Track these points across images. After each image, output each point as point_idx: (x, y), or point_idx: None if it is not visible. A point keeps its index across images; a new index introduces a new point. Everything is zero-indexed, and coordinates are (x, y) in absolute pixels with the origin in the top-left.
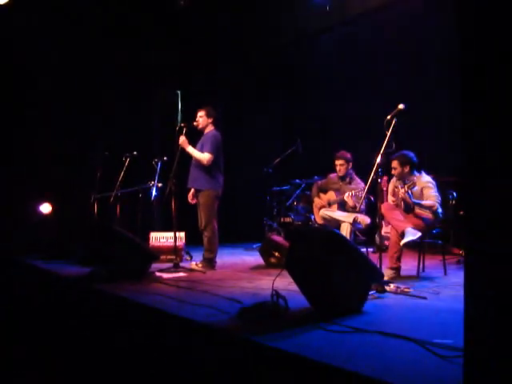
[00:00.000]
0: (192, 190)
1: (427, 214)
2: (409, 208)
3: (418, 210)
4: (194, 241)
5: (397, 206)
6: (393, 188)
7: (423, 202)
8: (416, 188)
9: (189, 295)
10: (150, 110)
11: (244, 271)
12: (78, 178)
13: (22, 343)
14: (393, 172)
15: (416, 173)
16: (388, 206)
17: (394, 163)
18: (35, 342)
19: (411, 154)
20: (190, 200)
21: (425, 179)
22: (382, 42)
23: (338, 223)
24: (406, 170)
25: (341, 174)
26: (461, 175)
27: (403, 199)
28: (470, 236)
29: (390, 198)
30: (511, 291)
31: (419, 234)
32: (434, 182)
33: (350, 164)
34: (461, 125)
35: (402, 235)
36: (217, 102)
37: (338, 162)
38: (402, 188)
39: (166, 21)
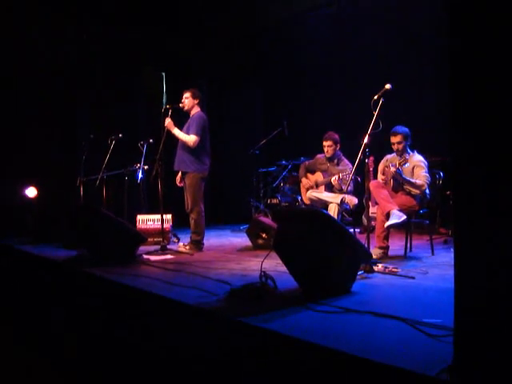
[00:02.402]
0: (180, 172)
1: (416, 192)
2: (398, 185)
3: (407, 186)
4: (181, 223)
5: (385, 183)
6: (383, 167)
7: (413, 180)
8: (407, 165)
9: (177, 277)
10: (135, 92)
11: (232, 253)
12: (63, 162)
13: (9, 327)
14: (396, 147)
15: (409, 151)
16: (376, 184)
17: (399, 137)
18: (23, 326)
19: (407, 129)
20: (177, 183)
21: (417, 158)
22: (369, 21)
23: (325, 204)
24: (408, 143)
25: (328, 156)
26: (448, 155)
27: (393, 176)
28: (457, 213)
29: (380, 176)
30: (501, 269)
31: (404, 217)
32: (426, 162)
33: (338, 145)
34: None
35: (388, 216)
36: (201, 83)
37: (325, 144)
38: (393, 167)
39: (150, 1)
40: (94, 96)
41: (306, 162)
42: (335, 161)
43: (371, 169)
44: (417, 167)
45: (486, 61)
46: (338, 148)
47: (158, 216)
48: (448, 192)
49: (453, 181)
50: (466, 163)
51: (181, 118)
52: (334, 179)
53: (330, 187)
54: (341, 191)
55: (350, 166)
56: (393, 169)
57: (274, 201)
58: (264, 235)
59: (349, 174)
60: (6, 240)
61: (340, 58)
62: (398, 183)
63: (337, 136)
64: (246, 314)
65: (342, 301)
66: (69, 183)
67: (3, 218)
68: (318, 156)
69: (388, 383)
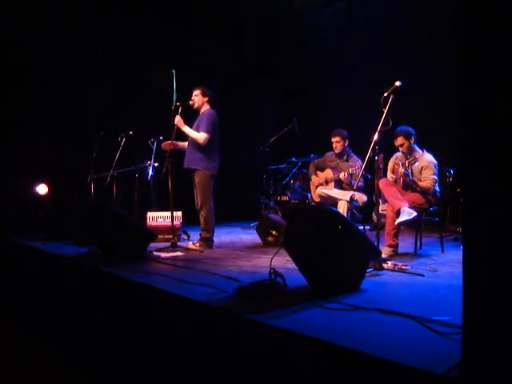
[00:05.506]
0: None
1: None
2: (408, 184)
3: (415, 186)
4: (190, 220)
5: (395, 182)
6: (393, 165)
7: (420, 183)
8: (417, 164)
9: (187, 274)
10: (145, 90)
11: (241, 250)
12: (74, 159)
13: (21, 325)
14: (401, 149)
15: (418, 149)
16: (386, 182)
17: (400, 139)
18: (35, 323)
19: (409, 127)
20: (163, 147)
21: (427, 158)
22: (379, 18)
23: (335, 201)
24: (412, 141)
25: (337, 151)
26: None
27: (402, 176)
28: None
29: (390, 175)
30: (511, 267)
31: (415, 213)
32: (436, 163)
33: (347, 141)
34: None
35: (398, 213)
36: (211, 80)
37: (334, 139)
38: (402, 166)
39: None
40: (105, 93)
41: (316, 161)
42: (344, 157)
43: (381, 166)
44: (426, 168)
45: (499, 60)
46: (346, 144)
47: (168, 213)
48: (458, 189)
49: (462, 181)
50: (476, 164)
51: (191, 116)
52: (342, 175)
53: (339, 184)
54: (350, 186)
55: (360, 162)
56: (401, 169)
57: (284, 198)
58: (274, 232)
59: (358, 168)
60: (17, 237)
61: (351, 56)
62: (407, 183)
63: (345, 132)
64: (255, 310)
65: (351, 298)
66: (79, 180)
67: (15, 215)
68: (327, 154)
69: (396, 381)
